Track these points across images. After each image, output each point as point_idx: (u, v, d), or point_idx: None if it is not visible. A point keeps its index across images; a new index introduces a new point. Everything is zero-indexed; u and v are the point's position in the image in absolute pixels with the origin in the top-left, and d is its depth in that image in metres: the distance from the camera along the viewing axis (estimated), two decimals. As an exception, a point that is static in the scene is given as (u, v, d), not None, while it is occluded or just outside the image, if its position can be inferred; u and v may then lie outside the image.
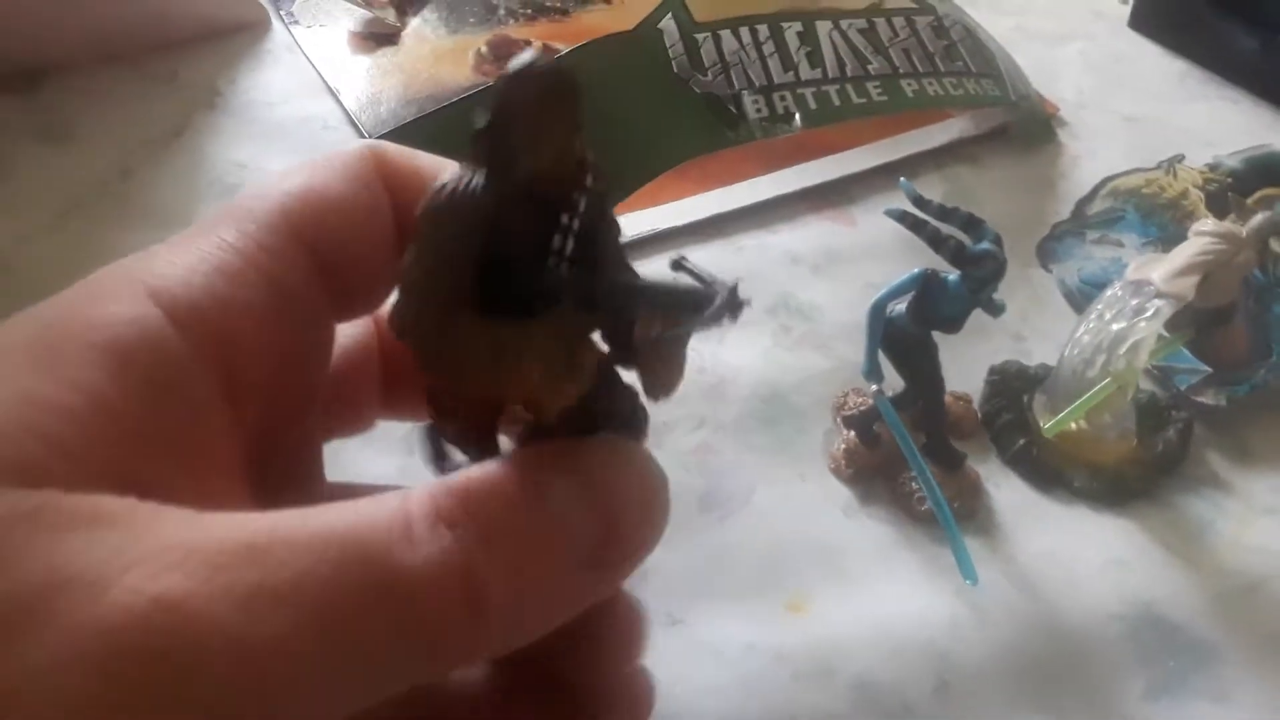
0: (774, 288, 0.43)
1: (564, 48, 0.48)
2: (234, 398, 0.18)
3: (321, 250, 0.20)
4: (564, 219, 0.17)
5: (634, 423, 0.19)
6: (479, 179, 0.17)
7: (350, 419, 0.24)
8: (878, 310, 0.34)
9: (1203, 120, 0.53)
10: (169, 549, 0.14)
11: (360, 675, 0.15)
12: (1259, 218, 0.37)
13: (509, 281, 0.17)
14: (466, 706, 0.22)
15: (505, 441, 0.19)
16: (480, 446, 0.19)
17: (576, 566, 0.17)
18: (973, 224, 0.33)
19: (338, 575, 0.14)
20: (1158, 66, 0.57)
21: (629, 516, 0.17)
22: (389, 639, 0.15)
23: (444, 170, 0.20)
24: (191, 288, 0.18)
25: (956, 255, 0.32)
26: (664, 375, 0.18)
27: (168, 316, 0.17)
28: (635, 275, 0.18)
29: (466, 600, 0.15)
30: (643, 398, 0.19)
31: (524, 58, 0.16)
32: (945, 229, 0.33)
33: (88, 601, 0.13)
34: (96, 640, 0.13)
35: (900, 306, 0.34)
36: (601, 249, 0.17)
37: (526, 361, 0.17)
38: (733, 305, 0.17)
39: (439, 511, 0.16)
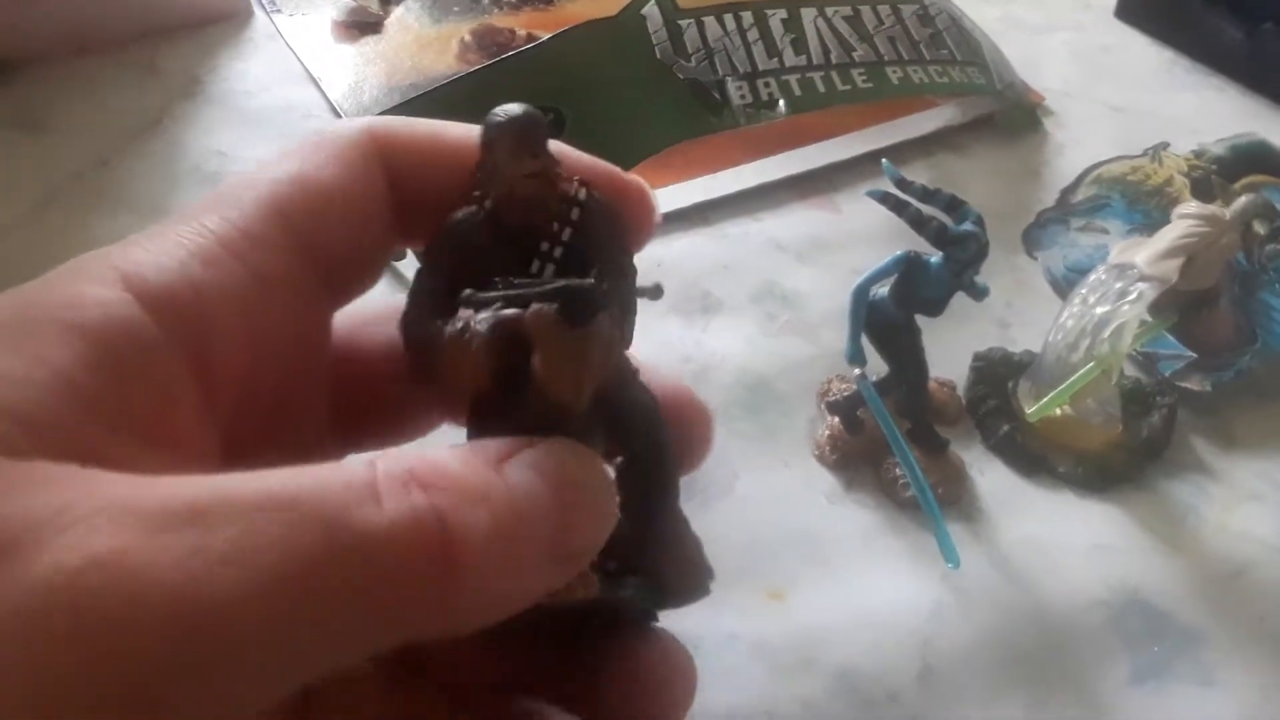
0: (759, 275, 0.43)
1: (546, 35, 0.48)
2: (208, 383, 0.18)
3: (313, 238, 0.20)
4: (544, 246, 0.19)
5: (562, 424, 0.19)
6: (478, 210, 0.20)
7: (378, 428, 0.24)
8: (861, 293, 0.34)
9: (1189, 109, 0.53)
10: (108, 508, 0.14)
11: (313, 642, 0.14)
12: (1242, 200, 0.37)
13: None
14: None
15: None
16: None
17: (539, 552, 0.17)
18: (955, 205, 0.32)
19: (287, 536, 0.14)
20: (1144, 56, 0.57)
21: (581, 510, 0.17)
22: (348, 601, 0.14)
23: (443, 134, 0.22)
24: (164, 271, 0.18)
25: (939, 236, 0.32)
26: (566, 371, 0.18)
27: (138, 300, 0.17)
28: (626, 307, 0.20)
29: (441, 556, 0.15)
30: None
31: (502, 107, 0.19)
32: (927, 210, 0.32)
33: (24, 561, 0.13)
34: (29, 598, 0.13)
35: (883, 290, 0.34)
36: (596, 273, 0.19)
37: (438, 356, 0.18)
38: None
39: (413, 473, 0.15)
